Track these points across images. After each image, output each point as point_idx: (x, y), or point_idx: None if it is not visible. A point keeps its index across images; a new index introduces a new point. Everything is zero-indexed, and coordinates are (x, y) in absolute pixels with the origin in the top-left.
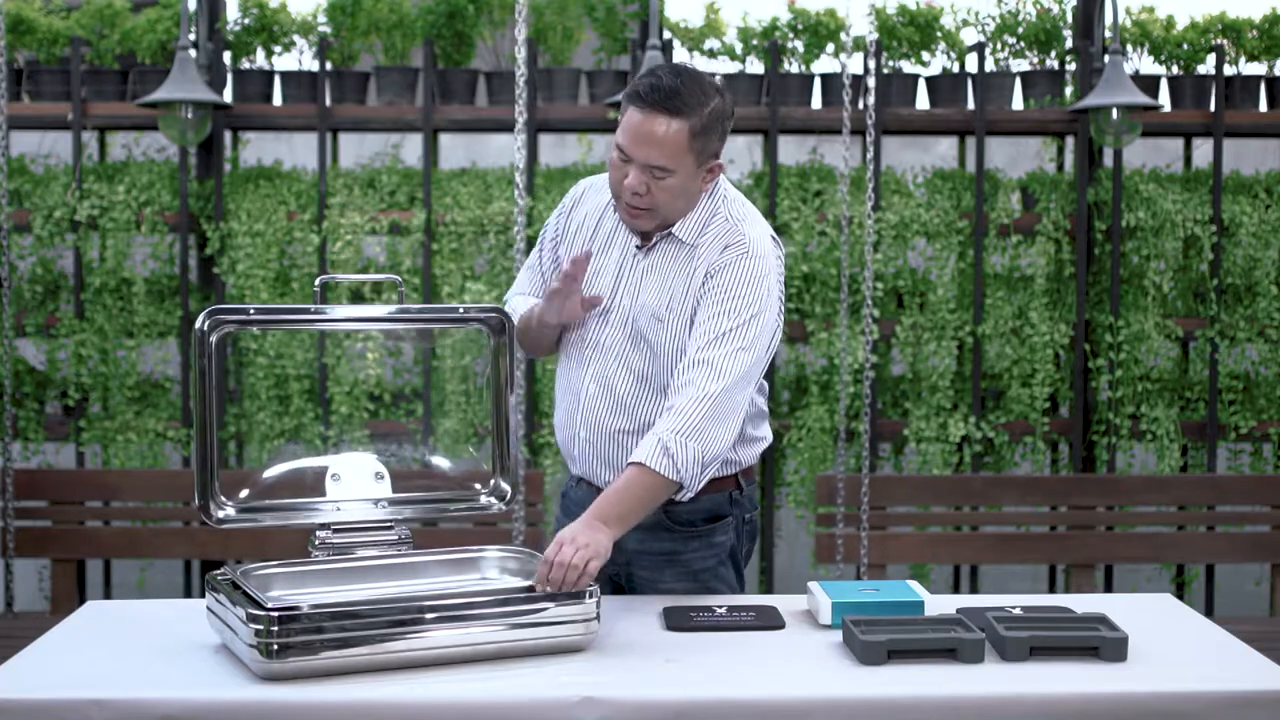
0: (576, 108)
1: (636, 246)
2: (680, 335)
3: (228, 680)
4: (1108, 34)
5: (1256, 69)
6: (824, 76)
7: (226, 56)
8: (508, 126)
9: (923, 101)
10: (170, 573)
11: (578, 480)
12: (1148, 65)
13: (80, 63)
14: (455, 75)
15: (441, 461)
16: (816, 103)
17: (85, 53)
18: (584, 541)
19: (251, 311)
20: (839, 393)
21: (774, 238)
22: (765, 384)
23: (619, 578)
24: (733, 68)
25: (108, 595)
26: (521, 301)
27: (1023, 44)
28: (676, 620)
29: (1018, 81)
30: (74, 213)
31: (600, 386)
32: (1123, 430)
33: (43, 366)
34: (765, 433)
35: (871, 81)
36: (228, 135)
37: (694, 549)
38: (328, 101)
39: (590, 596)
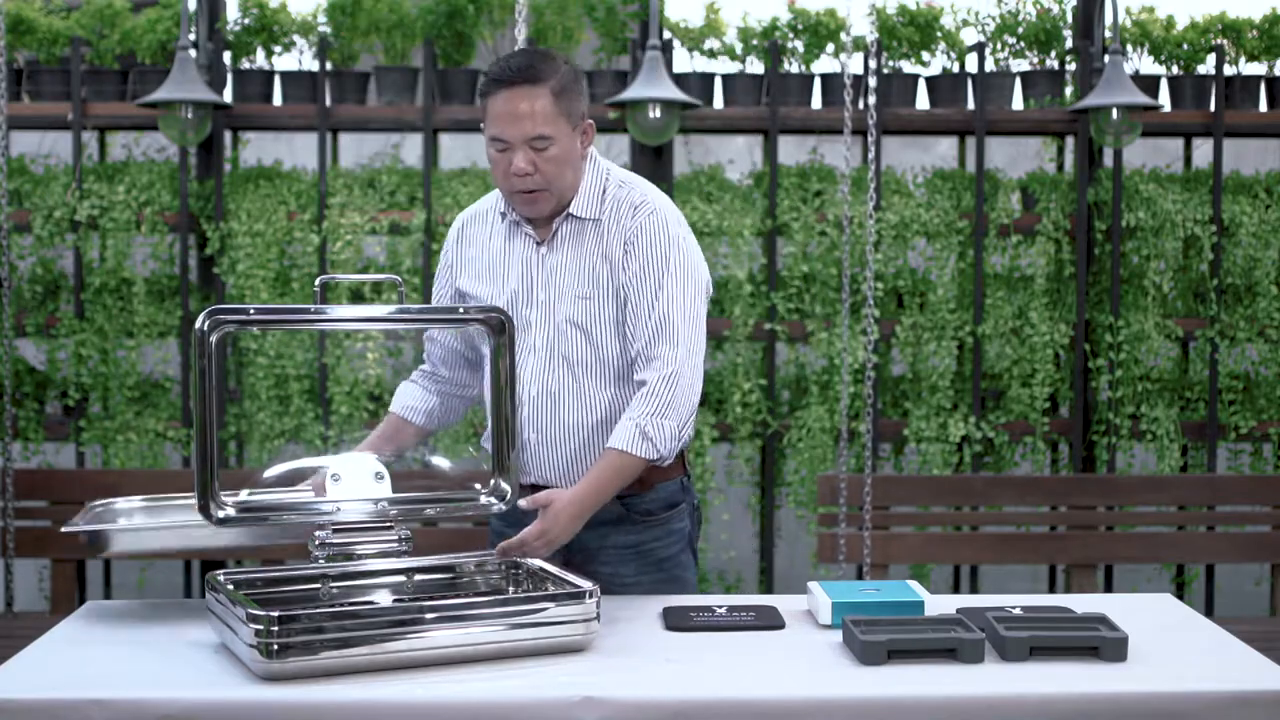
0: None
1: (537, 243)
2: (609, 307)
3: (228, 680)
4: (1108, 34)
5: (1256, 69)
6: (824, 76)
7: (226, 56)
8: None
9: (923, 101)
10: (170, 573)
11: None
12: (1148, 65)
13: (80, 63)
14: (455, 75)
15: (441, 461)
16: (817, 103)
17: (85, 53)
18: (557, 541)
19: (251, 311)
20: (839, 393)
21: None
22: None
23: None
24: (733, 68)
25: (108, 595)
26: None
27: (1023, 44)
28: (676, 620)
29: (1018, 81)
30: (74, 213)
31: (541, 387)
32: (1123, 430)
33: (43, 366)
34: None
35: (872, 81)
36: (228, 135)
37: (657, 538)
38: (328, 101)
39: (590, 596)
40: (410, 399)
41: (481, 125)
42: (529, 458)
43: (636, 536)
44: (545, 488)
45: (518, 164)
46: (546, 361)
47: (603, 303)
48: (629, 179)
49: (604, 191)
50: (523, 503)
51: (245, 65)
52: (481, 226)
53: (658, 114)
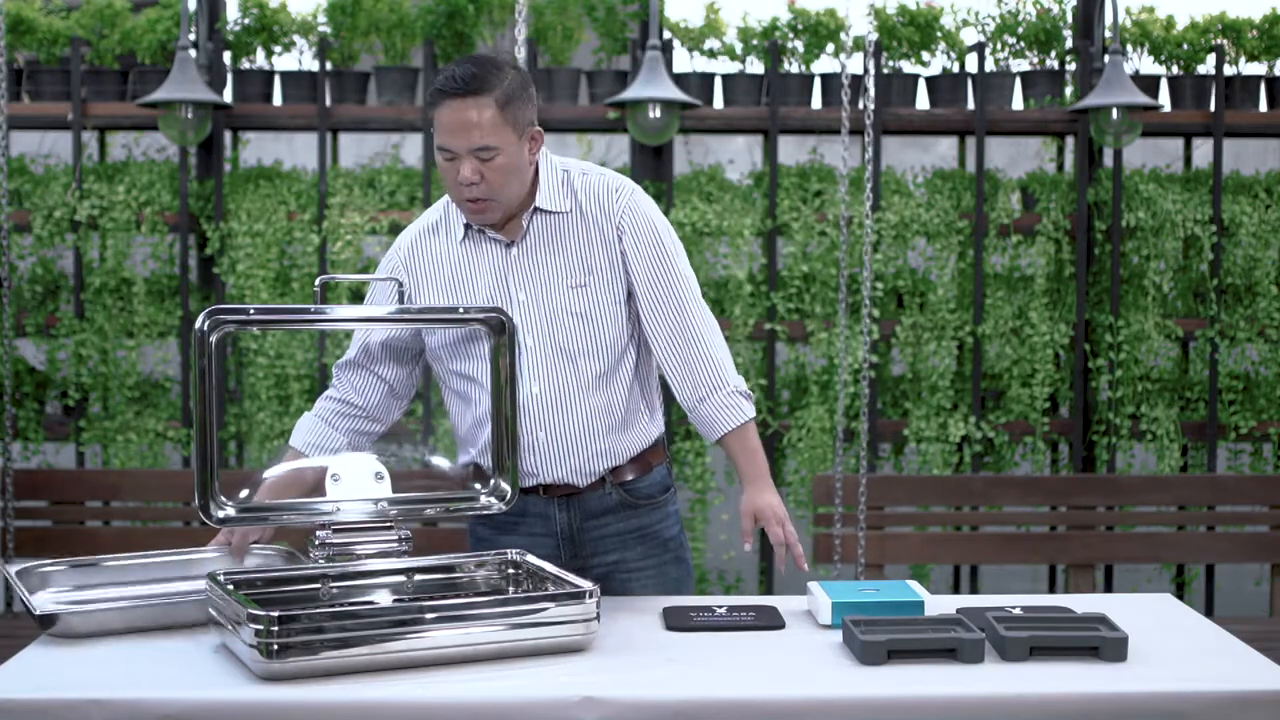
0: (576, 108)
1: (506, 244)
2: (609, 291)
3: (228, 680)
4: (1108, 34)
5: (1256, 69)
6: (824, 76)
7: (226, 56)
8: None
9: (923, 101)
10: None
11: (525, 490)
12: (1148, 65)
13: (80, 63)
14: None
15: (441, 461)
16: (816, 103)
17: (85, 53)
18: (783, 512)
19: (251, 311)
20: (838, 393)
21: None
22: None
23: (583, 567)
24: (733, 68)
25: None
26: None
27: (1023, 44)
28: (676, 620)
29: (1018, 81)
30: (74, 213)
31: (544, 384)
32: (1123, 430)
33: (43, 366)
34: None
35: (871, 81)
36: (228, 135)
37: (659, 519)
38: (328, 101)
39: (590, 596)
40: (315, 437)
41: (434, 134)
42: (538, 460)
43: (639, 520)
44: (555, 487)
45: (464, 173)
46: (544, 357)
47: (599, 288)
48: (587, 168)
49: (568, 183)
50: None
51: (245, 65)
52: (434, 240)
53: (658, 114)
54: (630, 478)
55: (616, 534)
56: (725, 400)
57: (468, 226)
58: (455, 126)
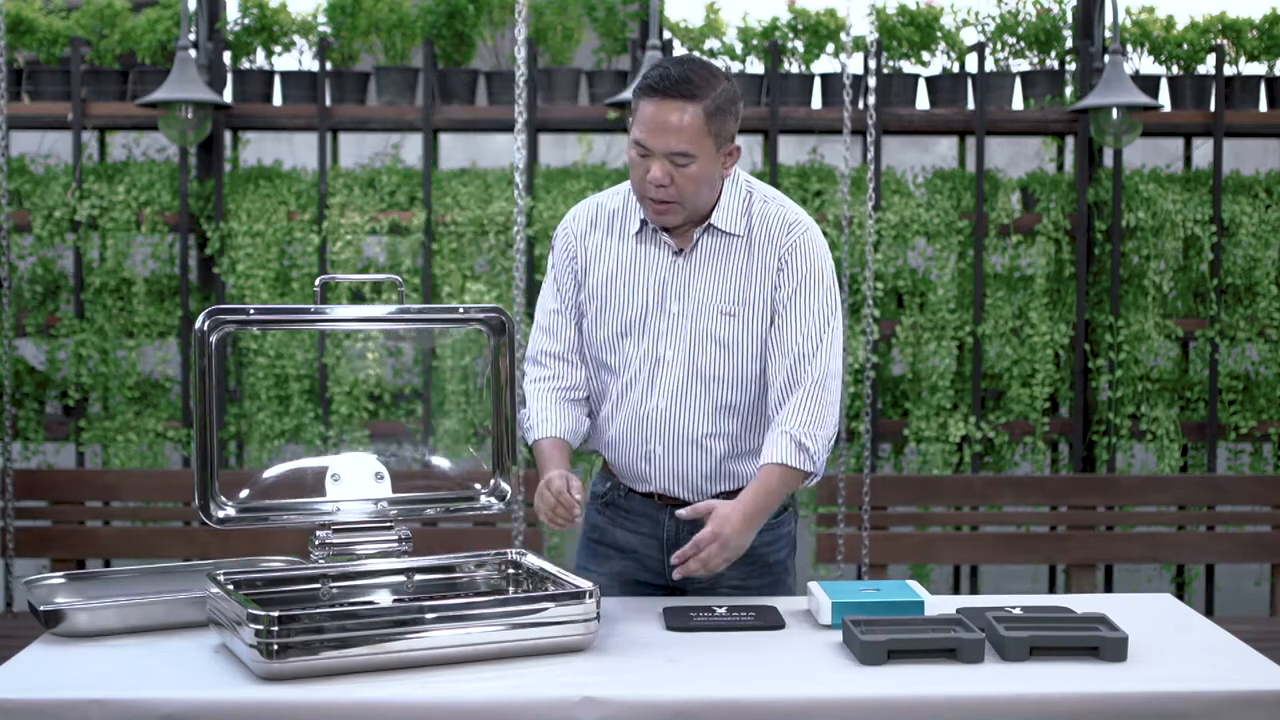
0: (576, 108)
1: (675, 251)
2: (756, 326)
3: (228, 680)
4: (1108, 34)
5: (1256, 69)
6: (824, 76)
7: (226, 56)
8: (508, 126)
9: (923, 101)
10: None
11: (633, 493)
12: (1148, 65)
13: (80, 63)
14: (455, 75)
15: (441, 461)
16: (816, 103)
17: (85, 53)
18: (734, 548)
19: (251, 311)
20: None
21: None
22: None
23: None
24: (733, 68)
25: None
26: (546, 409)
27: (1023, 44)
28: (676, 620)
29: (1018, 81)
30: (74, 213)
31: (671, 400)
32: (1123, 430)
33: (43, 366)
34: None
35: (872, 81)
36: (228, 135)
37: (766, 543)
38: (328, 101)
39: (590, 596)
40: (574, 422)
41: (632, 124)
42: (652, 470)
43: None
44: (665, 494)
45: (654, 173)
46: (678, 375)
47: (748, 320)
48: (771, 195)
49: (748, 206)
50: (682, 512)
51: (245, 65)
52: (610, 225)
53: None
54: None
55: None
56: (780, 440)
57: (643, 223)
58: (656, 126)
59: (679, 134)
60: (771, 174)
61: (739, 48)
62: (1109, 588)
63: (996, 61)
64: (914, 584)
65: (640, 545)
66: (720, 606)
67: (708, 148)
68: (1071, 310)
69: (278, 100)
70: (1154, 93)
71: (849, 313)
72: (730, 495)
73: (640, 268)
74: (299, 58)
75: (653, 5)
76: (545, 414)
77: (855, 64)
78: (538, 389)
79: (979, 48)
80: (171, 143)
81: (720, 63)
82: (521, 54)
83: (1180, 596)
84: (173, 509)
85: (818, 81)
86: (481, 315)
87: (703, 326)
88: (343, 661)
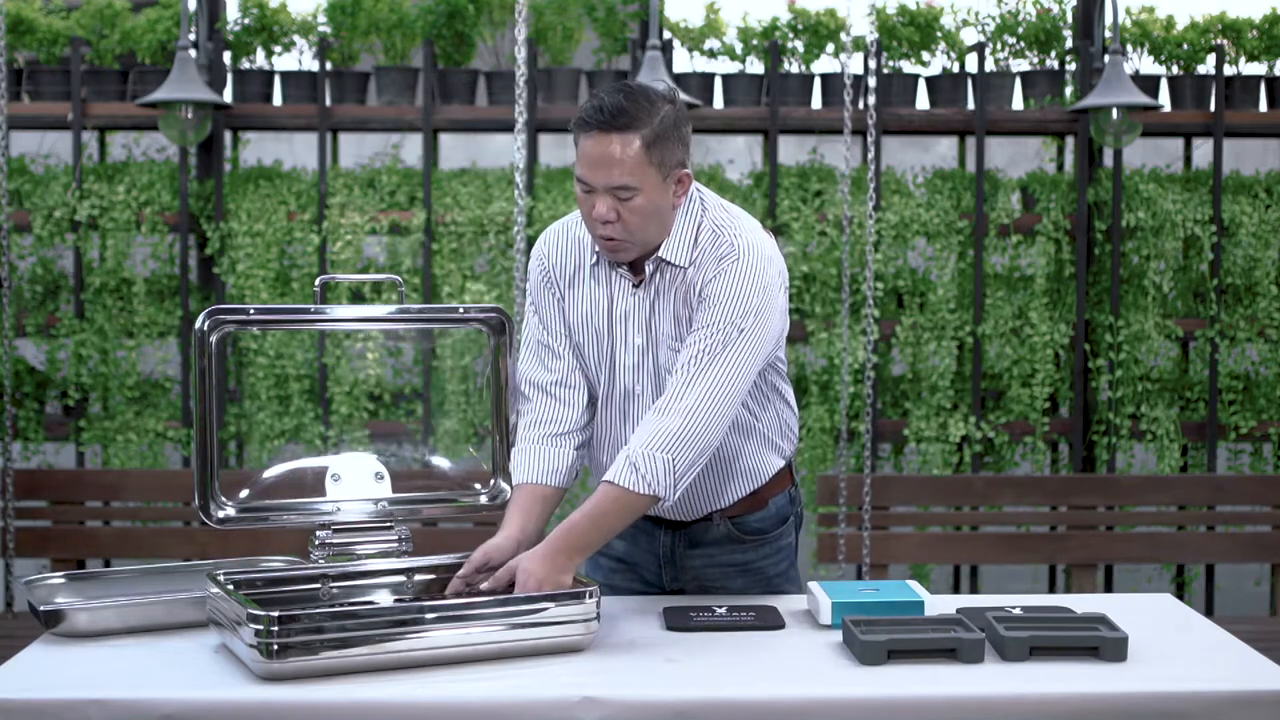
0: (576, 108)
1: (633, 285)
2: None
3: (228, 680)
4: (1108, 34)
5: (1256, 69)
6: (824, 76)
7: (226, 56)
8: (508, 126)
9: (923, 101)
10: None
11: None
12: (1148, 65)
13: (80, 63)
14: (455, 75)
15: (441, 461)
16: (816, 103)
17: (85, 53)
18: (547, 583)
19: (251, 311)
20: (839, 393)
21: (770, 234)
22: (782, 366)
23: (683, 589)
24: (733, 68)
25: None
26: (531, 459)
27: (1023, 44)
28: (676, 620)
29: (1018, 81)
30: (74, 213)
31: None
32: (1123, 430)
33: (43, 366)
34: (795, 417)
35: (872, 81)
36: (228, 135)
37: (765, 555)
38: (328, 101)
39: (590, 596)
40: (550, 462)
41: (562, 138)
42: None
43: (744, 556)
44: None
45: (599, 210)
46: (646, 408)
47: None
48: (725, 221)
49: (696, 239)
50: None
51: (245, 65)
52: (576, 249)
53: None
54: (739, 513)
55: (718, 565)
56: (619, 459)
57: (597, 255)
58: (595, 160)
59: (619, 167)
60: (771, 174)
61: (739, 48)
62: (1109, 588)
63: (996, 61)
64: (914, 584)
65: (639, 558)
66: (720, 606)
67: (651, 178)
68: (1071, 310)
69: (278, 100)
70: (1154, 93)
71: (849, 313)
72: (722, 512)
73: (603, 300)
74: (299, 58)
75: (653, 5)
76: (519, 458)
77: (855, 64)
78: (519, 427)
79: (979, 48)
80: (171, 143)
81: (663, 85)
82: (521, 54)
83: (1180, 596)
84: (173, 509)
85: (818, 81)
86: (481, 315)
87: (662, 360)
88: (343, 661)
